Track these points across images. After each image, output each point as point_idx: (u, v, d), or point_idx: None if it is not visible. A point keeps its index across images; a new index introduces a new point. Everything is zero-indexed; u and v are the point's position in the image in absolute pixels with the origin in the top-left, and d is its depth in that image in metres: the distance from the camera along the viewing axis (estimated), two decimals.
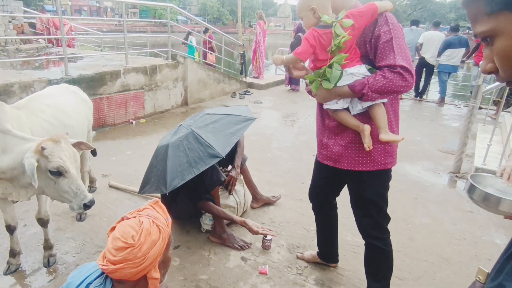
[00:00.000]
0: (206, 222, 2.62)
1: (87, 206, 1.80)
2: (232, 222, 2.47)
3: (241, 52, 8.79)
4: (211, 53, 8.81)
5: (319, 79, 1.59)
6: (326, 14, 1.55)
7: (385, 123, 1.56)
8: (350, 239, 2.62)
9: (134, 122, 5.30)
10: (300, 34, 7.40)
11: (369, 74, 1.56)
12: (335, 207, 2.16)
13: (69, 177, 1.74)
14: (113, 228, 1.10)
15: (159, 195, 2.98)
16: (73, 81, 4.23)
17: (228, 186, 2.66)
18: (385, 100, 1.59)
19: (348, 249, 2.50)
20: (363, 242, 1.93)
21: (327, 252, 2.29)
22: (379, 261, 1.89)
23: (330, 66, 1.55)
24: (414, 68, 1.54)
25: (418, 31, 7.55)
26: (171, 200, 2.63)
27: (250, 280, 2.19)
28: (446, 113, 7.14)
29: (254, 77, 9.09)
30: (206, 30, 8.51)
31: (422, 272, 2.36)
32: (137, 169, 3.70)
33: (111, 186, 3.33)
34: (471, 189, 1.11)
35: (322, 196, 2.09)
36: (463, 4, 0.65)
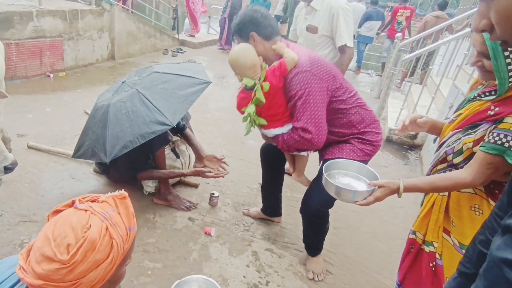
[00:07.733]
0: (149, 184, 2.51)
1: (8, 169, 1.51)
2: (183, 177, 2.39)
3: (174, 6, 8.10)
4: None
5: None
6: (248, 77, 1.70)
7: (300, 168, 1.95)
8: (289, 195, 2.79)
9: (51, 75, 4.62)
10: None
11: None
12: (283, 163, 2.23)
13: None
14: (56, 212, 0.80)
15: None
16: None
17: (175, 147, 2.54)
18: (304, 154, 1.89)
19: (288, 204, 2.64)
20: (301, 197, 1.98)
21: (272, 207, 2.41)
22: (317, 234, 2.06)
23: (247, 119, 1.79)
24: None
25: None
26: (110, 163, 2.43)
27: (200, 240, 2.20)
28: (362, 80, 7.78)
29: (190, 35, 8.55)
30: None
31: (352, 220, 2.66)
32: (61, 128, 3.30)
33: (30, 147, 2.93)
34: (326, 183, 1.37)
35: (273, 154, 2.15)
36: None
